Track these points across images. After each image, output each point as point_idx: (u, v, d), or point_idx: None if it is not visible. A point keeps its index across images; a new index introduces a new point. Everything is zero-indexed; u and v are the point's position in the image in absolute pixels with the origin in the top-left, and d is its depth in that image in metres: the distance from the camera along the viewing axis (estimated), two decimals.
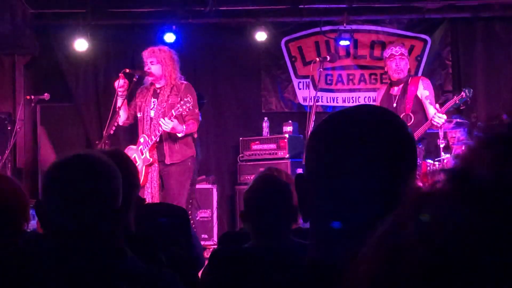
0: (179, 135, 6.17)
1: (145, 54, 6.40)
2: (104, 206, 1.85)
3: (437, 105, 6.34)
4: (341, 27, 8.67)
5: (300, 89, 9.20)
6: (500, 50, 9.04)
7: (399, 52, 6.52)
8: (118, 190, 1.90)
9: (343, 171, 1.19)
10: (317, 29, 9.03)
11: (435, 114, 6.15)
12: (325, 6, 8.69)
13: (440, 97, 9.11)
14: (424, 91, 6.47)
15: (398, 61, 6.48)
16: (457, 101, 6.28)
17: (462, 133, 7.56)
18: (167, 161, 6.24)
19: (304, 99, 9.11)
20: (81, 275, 1.77)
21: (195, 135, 6.45)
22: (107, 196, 1.86)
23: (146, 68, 6.34)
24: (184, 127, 6.16)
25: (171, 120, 6.05)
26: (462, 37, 9.16)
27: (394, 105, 6.42)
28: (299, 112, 8.98)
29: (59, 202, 1.83)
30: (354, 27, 8.83)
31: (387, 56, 6.59)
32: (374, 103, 7.00)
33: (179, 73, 6.40)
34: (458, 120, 7.39)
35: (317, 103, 6.68)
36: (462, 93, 6.28)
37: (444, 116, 6.19)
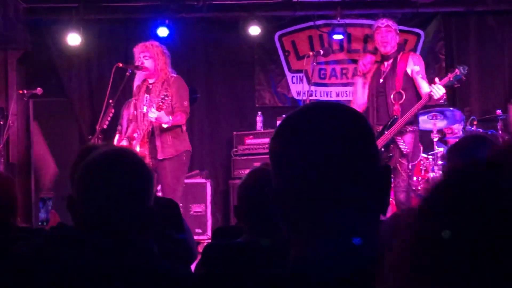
0: (165, 126, 6.14)
1: (137, 49, 6.38)
2: (140, 204, 1.84)
3: (436, 79, 6.01)
4: (335, 21, 8.66)
5: (293, 83, 9.20)
6: (493, 44, 9.06)
7: (385, 24, 6.18)
8: (151, 188, 1.90)
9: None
10: (311, 23, 9.02)
11: (433, 85, 5.83)
12: (318, 0, 8.69)
13: None
14: (414, 66, 6.10)
15: (384, 33, 6.13)
16: (451, 78, 5.96)
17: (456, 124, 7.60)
18: (159, 156, 6.20)
19: (298, 93, 9.11)
20: (109, 273, 1.75)
21: (184, 127, 6.38)
22: (143, 194, 1.86)
23: (139, 63, 6.31)
24: (170, 118, 6.12)
25: (158, 110, 6.09)
26: (456, 31, 9.17)
27: (381, 80, 6.12)
28: (293, 106, 8.98)
29: (97, 199, 1.81)
30: (347, 21, 8.82)
31: (374, 30, 6.30)
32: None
33: (170, 67, 6.39)
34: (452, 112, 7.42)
35: (310, 97, 6.67)
36: (456, 70, 5.99)
37: (443, 89, 5.84)
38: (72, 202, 1.86)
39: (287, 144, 1.27)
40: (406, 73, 6.06)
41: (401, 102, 5.96)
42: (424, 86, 5.96)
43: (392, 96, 6.00)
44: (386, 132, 5.87)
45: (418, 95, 6.05)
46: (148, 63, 6.28)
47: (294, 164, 1.24)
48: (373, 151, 1.28)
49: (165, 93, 6.10)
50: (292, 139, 1.26)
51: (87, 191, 1.84)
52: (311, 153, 1.22)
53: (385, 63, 6.18)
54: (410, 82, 6.06)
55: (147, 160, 6.10)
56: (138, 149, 6.17)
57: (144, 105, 6.32)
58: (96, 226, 1.80)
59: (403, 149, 5.87)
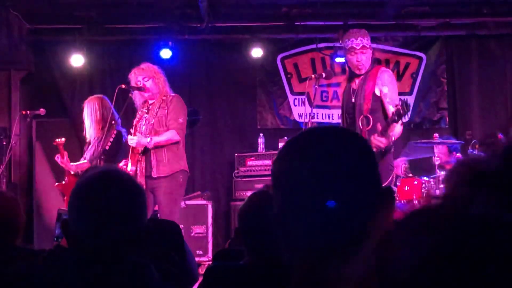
0: (149, 146, 6.12)
1: (132, 75, 6.36)
2: (132, 222, 1.85)
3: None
4: (337, 44, 8.70)
5: (295, 105, 9.22)
6: (495, 68, 9.09)
7: (361, 45, 5.62)
8: (143, 206, 1.91)
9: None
10: (313, 46, 9.07)
11: (374, 137, 5.28)
12: (321, 23, 8.73)
13: (435, 114, 9.15)
14: (383, 87, 5.58)
15: (359, 56, 5.61)
16: (395, 118, 5.23)
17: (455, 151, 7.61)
18: (154, 174, 6.14)
19: (300, 116, 9.13)
20: None
21: (180, 145, 6.29)
22: (136, 214, 1.87)
23: (140, 85, 6.31)
24: (148, 139, 6.09)
25: (134, 134, 6.11)
26: (457, 55, 9.20)
27: (353, 100, 5.65)
28: (294, 128, 9.00)
29: (89, 221, 1.82)
30: None
31: (346, 48, 5.68)
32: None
33: (168, 86, 6.39)
34: (450, 144, 7.43)
35: (312, 120, 6.65)
36: (399, 106, 5.18)
37: (383, 140, 5.26)
38: (66, 225, 1.88)
39: (290, 167, 1.28)
40: (374, 94, 5.60)
41: (368, 128, 5.53)
42: (390, 113, 5.45)
43: (360, 121, 5.59)
44: None
45: (387, 117, 5.53)
46: (149, 84, 6.28)
47: (297, 187, 1.25)
48: (375, 173, 1.29)
49: (146, 114, 6.17)
50: (295, 161, 1.27)
51: (79, 212, 1.86)
52: (314, 176, 1.23)
53: (356, 80, 5.73)
54: (378, 103, 5.60)
55: (139, 179, 6.06)
56: (129, 167, 6.13)
57: (143, 125, 6.29)
58: (90, 247, 1.81)
59: None
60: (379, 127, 5.34)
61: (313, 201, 1.22)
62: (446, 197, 0.68)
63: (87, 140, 6.74)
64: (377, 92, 5.58)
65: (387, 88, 5.59)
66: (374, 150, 4.97)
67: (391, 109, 5.43)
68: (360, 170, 1.25)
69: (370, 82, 5.61)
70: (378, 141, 5.26)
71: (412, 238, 0.63)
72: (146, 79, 6.28)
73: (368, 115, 5.57)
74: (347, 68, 5.92)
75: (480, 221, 0.61)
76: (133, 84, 6.34)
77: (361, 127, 5.57)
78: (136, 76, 6.32)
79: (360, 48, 5.62)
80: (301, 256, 1.25)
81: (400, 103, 5.18)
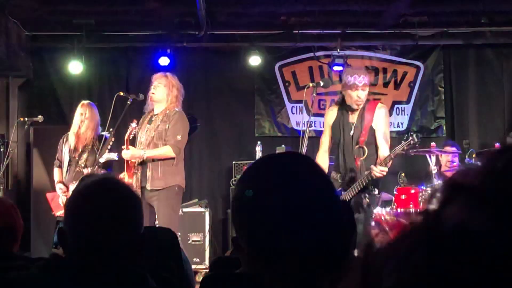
0: (144, 158, 6.12)
1: (156, 76, 6.38)
2: (130, 232, 1.86)
3: (383, 148, 5.70)
4: (335, 53, 8.73)
5: (293, 113, 9.24)
6: (492, 77, 9.12)
7: (363, 83, 5.83)
8: (141, 216, 1.92)
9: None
10: (311, 54, 9.09)
11: (375, 166, 5.55)
12: (319, 31, 8.75)
13: (433, 123, 9.17)
14: (378, 123, 5.86)
15: (360, 92, 5.84)
16: (405, 148, 5.56)
17: (454, 158, 7.62)
18: (148, 186, 6.15)
19: (297, 124, 9.15)
20: None
21: (176, 161, 6.25)
22: (133, 223, 1.88)
23: (149, 92, 6.31)
24: (143, 152, 6.10)
25: (127, 148, 6.11)
26: (455, 64, 9.23)
27: (351, 133, 5.88)
28: (292, 136, 9.01)
29: (86, 229, 1.83)
30: (347, 52, 8.90)
31: (348, 84, 5.87)
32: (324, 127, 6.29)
33: (179, 103, 6.35)
34: (451, 146, 7.44)
35: (310, 128, 6.66)
36: (410, 139, 5.50)
37: (386, 169, 5.53)
38: (63, 234, 1.88)
39: (254, 190, 1.33)
40: (371, 128, 5.86)
41: (362, 158, 5.79)
42: (381, 150, 5.77)
43: (354, 151, 5.84)
44: (344, 193, 5.71)
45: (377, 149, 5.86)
46: (158, 91, 6.26)
47: (256, 213, 1.31)
48: (332, 198, 1.34)
49: (148, 125, 6.17)
50: (254, 187, 1.33)
51: (75, 221, 1.86)
52: (269, 200, 1.29)
53: (351, 115, 5.96)
54: (373, 137, 5.85)
55: (135, 189, 6.02)
56: (126, 179, 6.11)
57: (144, 135, 6.29)
58: (86, 256, 1.82)
59: (364, 202, 5.74)
60: (381, 158, 5.66)
61: (283, 223, 1.27)
62: (423, 213, 0.69)
63: (74, 144, 6.71)
64: (374, 126, 5.86)
65: (381, 124, 5.88)
66: (376, 178, 5.55)
67: (382, 146, 5.77)
68: (317, 196, 1.32)
69: (368, 117, 5.88)
70: (380, 172, 5.52)
71: (394, 262, 0.64)
72: (161, 84, 6.27)
73: (364, 146, 5.82)
74: (339, 97, 6.19)
75: (451, 237, 0.62)
76: (152, 81, 6.33)
77: (356, 157, 5.82)
78: (157, 78, 6.33)
79: (362, 85, 5.84)
80: (279, 275, 1.29)
81: (411, 135, 5.54)
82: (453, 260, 0.60)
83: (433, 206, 0.66)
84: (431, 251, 0.61)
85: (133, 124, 6.25)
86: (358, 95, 5.85)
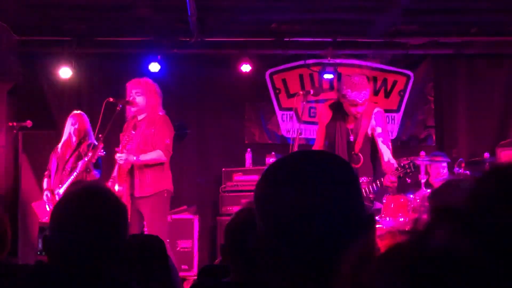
0: (135, 164, 6.11)
1: (130, 85, 6.39)
2: (114, 239, 1.85)
3: (386, 154, 5.68)
4: (325, 61, 8.74)
5: (283, 121, 9.23)
6: (482, 86, 9.15)
7: (363, 99, 5.81)
8: (126, 223, 1.92)
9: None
10: (302, 62, 9.10)
11: (387, 178, 5.61)
12: (309, 39, 8.76)
13: (422, 132, 9.19)
14: (376, 127, 5.82)
15: (359, 108, 5.83)
16: (401, 174, 5.64)
17: (443, 168, 7.61)
18: (136, 193, 6.12)
19: (288, 131, 9.14)
20: None
21: (166, 166, 6.26)
22: (117, 230, 1.87)
23: (130, 99, 6.32)
24: (134, 158, 6.09)
25: (123, 152, 6.09)
26: (445, 73, 9.26)
27: (352, 139, 5.90)
28: (282, 144, 9.00)
29: (71, 236, 1.82)
30: (338, 61, 8.90)
31: (350, 99, 5.82)
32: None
33: (161, 106, 6.38)
34: (439, 157, 7.44)
35: (300, 136, 6.66)
36: (408, 168, 5.60)
37: (396, 180, 5.64)
38: (47, 241, 1.88)
39: (273, 190, 1.27)
40: (366, 134, 5.85)
41: (358, 165, 5.79)
42: (385, 154, 5.72)
43: (350, 158, 5.83)
44: None
45: (373, 158, 5.88)
46: (139, 100, 6.29)
47: (280, 211, 1.24)
48: (358, 199, 1.29)
49: (133, 131, 6.15)
50: (278, 185, 1.27)
51: (60, 228, 1.85)
52: (296, 200, 1.22)
53: (349, 120, 5.96)
54: (368, 143, 5.84)
55: (125, 199, 6.02)
56: (116, 188, 6.10)
57: (125, 144, 6.26)
58: (70, 263, 1.81)
59: None
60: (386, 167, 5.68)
61: (299, 224, 1.21)
62: (410, 234, 0.68)
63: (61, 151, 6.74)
64: (369, 131, 5.81)
65: (381, 128, 5.81)
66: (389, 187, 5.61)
67: (385, 150, 5.70)
68: (342, 195, 1.25)
69: (364, 122, 5.82)
70: (392, 182, 5.63)
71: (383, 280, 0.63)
72: (138, 94, 6.28)
73: (359, 153, 5.80)
74: (335, 99, 6.23)
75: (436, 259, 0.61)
76: (128, 93, 6.34)
77: (352, 164, 5.71)
78: (131, 88, 6.33)
79: (362, 102, 5.79)
80: (284, 277, 1.25)
81: (408, 164, 5.55)
82: (435, 286, 0.59)
83: (420, 225, 0.66)
84: (414, 277, 0.60)
85: (131, 126, 6.28)
86: (357, 110, 5.85)
